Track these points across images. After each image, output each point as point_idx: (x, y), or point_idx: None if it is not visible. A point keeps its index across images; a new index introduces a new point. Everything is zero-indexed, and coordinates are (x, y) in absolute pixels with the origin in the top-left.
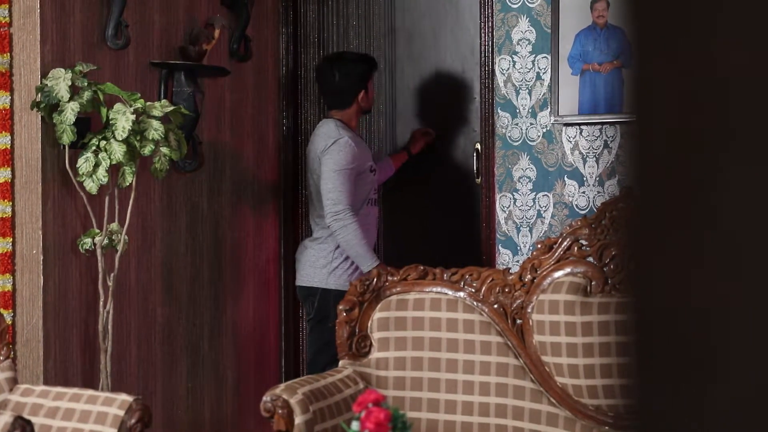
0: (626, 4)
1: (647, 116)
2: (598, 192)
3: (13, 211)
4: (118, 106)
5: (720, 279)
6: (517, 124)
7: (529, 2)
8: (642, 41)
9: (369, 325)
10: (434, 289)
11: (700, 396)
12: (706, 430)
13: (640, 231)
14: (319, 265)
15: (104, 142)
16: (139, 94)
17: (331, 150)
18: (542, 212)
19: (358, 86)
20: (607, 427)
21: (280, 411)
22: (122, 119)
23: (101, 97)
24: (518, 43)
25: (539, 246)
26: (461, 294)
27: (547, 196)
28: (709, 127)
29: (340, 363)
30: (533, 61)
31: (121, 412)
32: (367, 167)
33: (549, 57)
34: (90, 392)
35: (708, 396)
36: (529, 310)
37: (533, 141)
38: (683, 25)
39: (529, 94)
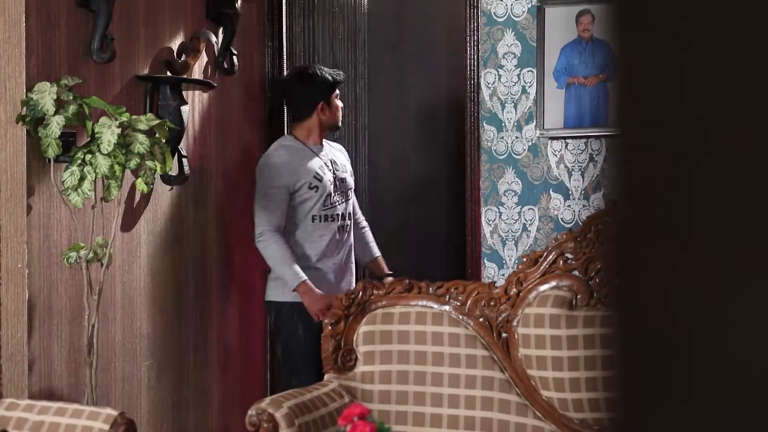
0: (611, 18)
1: (632, 130)
2: (584, 205)
3: None
4: (103, 119)
5: (704, 294)
6: (502, 138)
7: (514, 16)
8: (627, 53)
9: (354, 338)
10: (420, 303)
11: (684, 411)
12: None
13: (624, 245)
14: (272, 279)
15: (89, 155)
16: (124, 108)
17: (257, 171)
18: (528, 226)
19: (318, 98)
20: None
21: (265, 425)
22: (107, 133)
23: (87, 110)
24: (504, 57)
25: (525, 259)
26: (447, 307)
27: (533, 209)
28: (694, 141)
29: (326, 377)
30: (519, 75)
31: (106, 427)
32: (303, 184)
33: (534, 71)
34: (75, 406)
35: (691, 411)
36: (514, 324)
37: (519, 154)
38: (669, 39)
39: (515, 107)
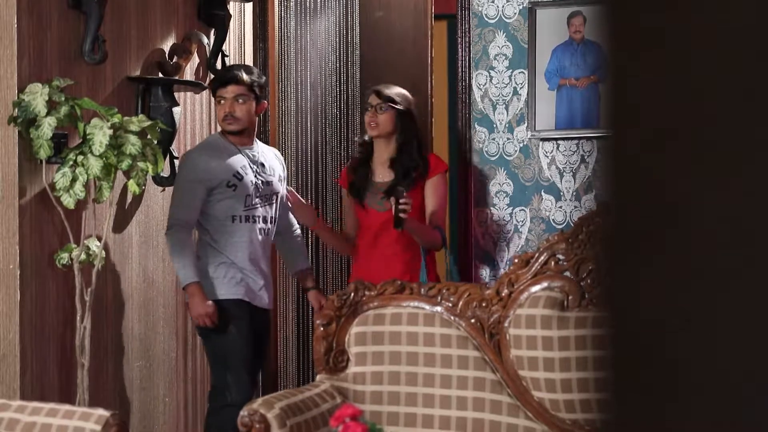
0: (602, 19)
1: (623, 131)
2: (575, 206)
3: None
4: (95, 120)
5: (695, 294)
6: (494, 139)
7: (506, 17)
8: (618, 55)
9: (346, 339)
10: (411, 304)
11: (672, 412)
12: None
13: (616, 246)
14: (203, 277)
15: (81, 156)
16: (116, 109)
17: (177, 165)
18: (519, 227)
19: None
20: None
21: (257, 426)
22: (99, 134)
23: (78, 111)
24: (495, 58)
25: (516, 260)
26: (438, 308)
27: (524, 210)
28: (684, 141)
29: (318, 377)
30: (510, 76)
31: (98, 427)
32: (222, 181)
33: (526, 72)
34: (67, 407)
35: (679, 412)
36: (506, 325)
37: (510, 156)
38: (660, 41)
39: (506, 109)
